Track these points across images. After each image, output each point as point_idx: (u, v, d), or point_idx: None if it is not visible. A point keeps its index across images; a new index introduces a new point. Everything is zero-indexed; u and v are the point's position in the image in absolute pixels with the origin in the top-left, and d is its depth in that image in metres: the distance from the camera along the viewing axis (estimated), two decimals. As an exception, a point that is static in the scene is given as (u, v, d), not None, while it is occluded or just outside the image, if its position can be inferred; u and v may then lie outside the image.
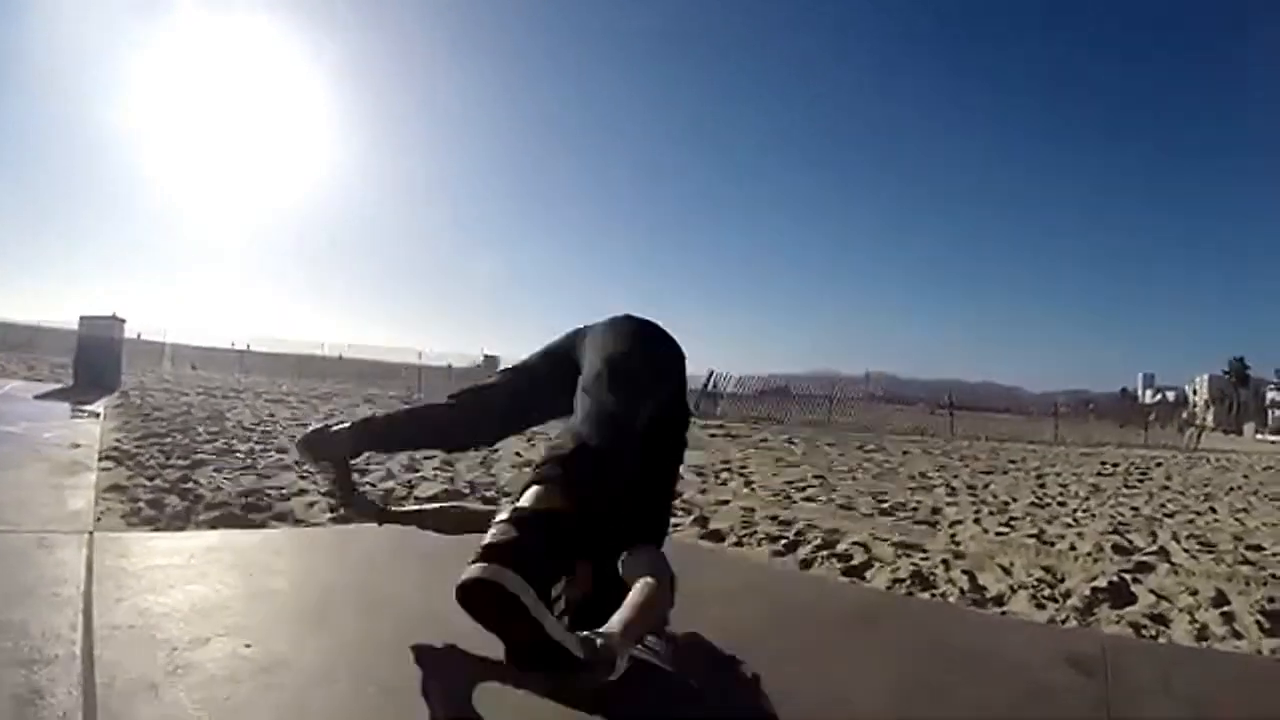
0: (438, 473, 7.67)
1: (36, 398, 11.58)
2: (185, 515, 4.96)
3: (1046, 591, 4.76)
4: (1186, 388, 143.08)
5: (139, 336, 36.30)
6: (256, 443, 8.82)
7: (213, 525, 4.79)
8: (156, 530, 4.51)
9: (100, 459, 6.29)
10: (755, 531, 5.94)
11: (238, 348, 46.38)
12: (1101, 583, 4.95)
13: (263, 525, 5.00)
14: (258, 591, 3.18)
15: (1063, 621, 4.25)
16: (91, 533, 3.85)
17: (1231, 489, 12.45)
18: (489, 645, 2.67)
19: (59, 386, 14.09)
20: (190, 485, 5.78)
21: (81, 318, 16.00)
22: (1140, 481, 12.97)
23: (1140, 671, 3.01)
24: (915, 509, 7.77)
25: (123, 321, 16.52)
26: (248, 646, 2.54)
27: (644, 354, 2.86)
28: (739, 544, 5.65)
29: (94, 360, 15.45)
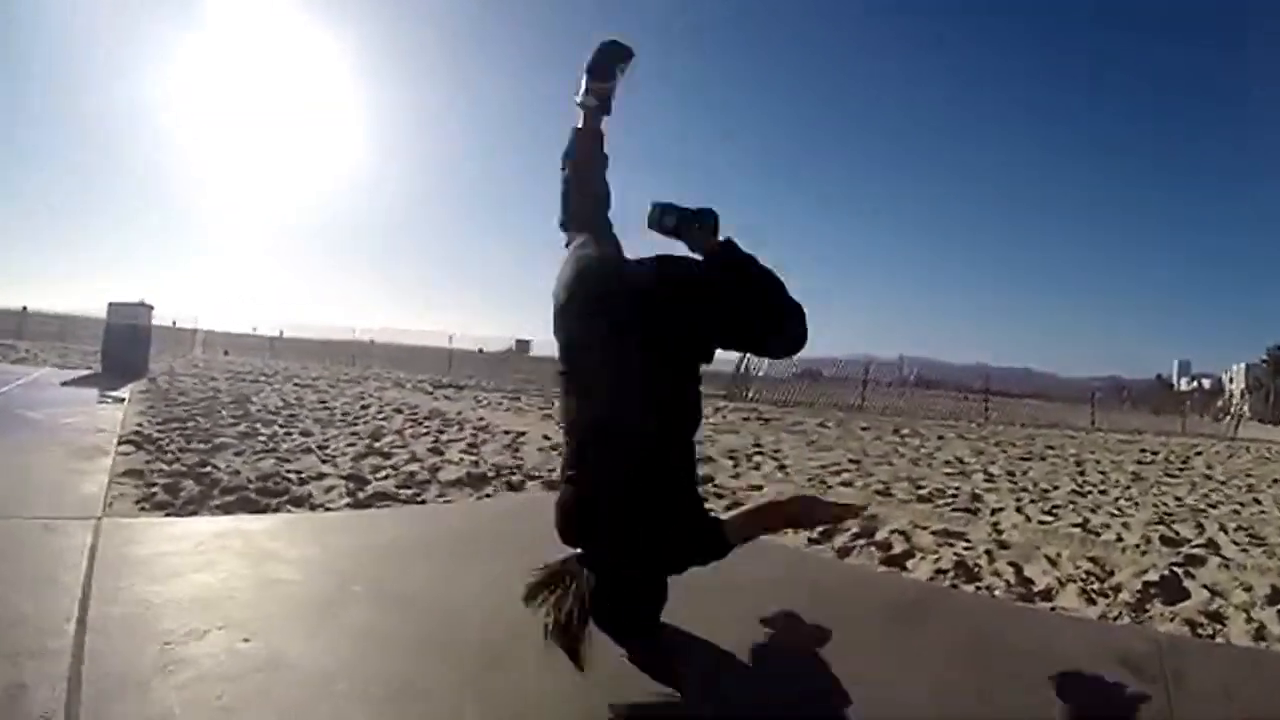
0: (462, 456, 7.54)
1: (63, 384, 11.54)
2: (199, 500, 4.83)
3: (1096, 585, 4.53)
4: (1223, 376, 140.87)
5: (174, 324, 36.60)
6: (280, 426, 8.74)
7: (226, 510, 4.65)
8: (169, 516, 4.38)
9: (119, 444, 6.19)
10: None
11: (270, 334, 46.66)
12: (1152, 576, 4.72)
13: (278, 510, 4.86)
14: (265, 581, 3.05)
15: (1114, 618, 4.02)
16: (100, 519, 3.75)
17: (1275, 480, 12.08)
18: (509, 645, 2.53)
19: (87, 373, 14.10)
20: (208, 470, 5.67)
21: (110, 304, 15.97)
22: (1181, 470, 12.61)
23: (1200, 675, 2.82)
24: (954, 495, 7.56)
25: (151, 308, 16.46)
26: (246, 641, 2.40)
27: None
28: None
29: (122, 346, 15.45)
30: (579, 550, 2.56)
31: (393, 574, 3.38)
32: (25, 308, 36.94)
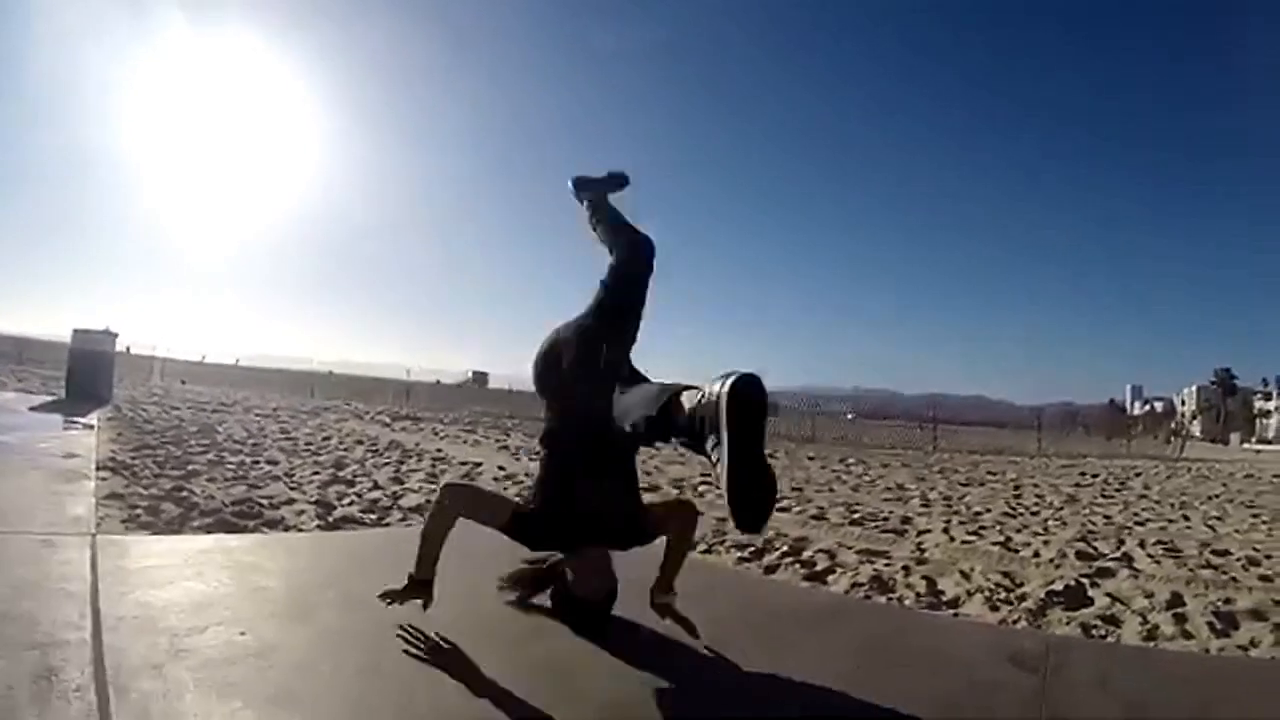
0: (422, 485, 7.92)
1: (30, 409, 11.70)
2: (180, 521, 5.18)
3: (1002, 595, 4.93)
4: (1174, 398, 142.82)
5: (128, 350, 36.19)
6: (247, 455, 9.05)
7: (207, 530, 5.00)
8: (154, 534, 4.72)
9: (97, 469, 6.46)
10: (725, 540, 6.12)
11: (227, 363, 46.43)
12: (1058, 586, 5.12)
13: (254, 530, 5.21)
14: (250, 588, 3.44)
15: (1014, 623, 4.42)
16: (94, 535, 4.08)
17: (1209, 497, 12.55)
18: (454, 635, 2.98)
19: (52, 399, 14.19)
20: (184, 494, 6.00)
21: (75, 331, 16.10)
22: (1117, 491, 13.10)
23: (1080, 669, 3.20)
24: (886, 519, 7.96)
25: (115, 335, 16.59)
26: (242, 634, 2.80)
27: None
28: (708, 551, 5.84)
29: (86, 373, 15.55)
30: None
31: (361, 583, 3.71)
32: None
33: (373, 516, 6.06)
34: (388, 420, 19.27)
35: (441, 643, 2.92)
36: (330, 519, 5.80)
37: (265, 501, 6.14)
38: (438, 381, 45.62)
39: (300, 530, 5.39)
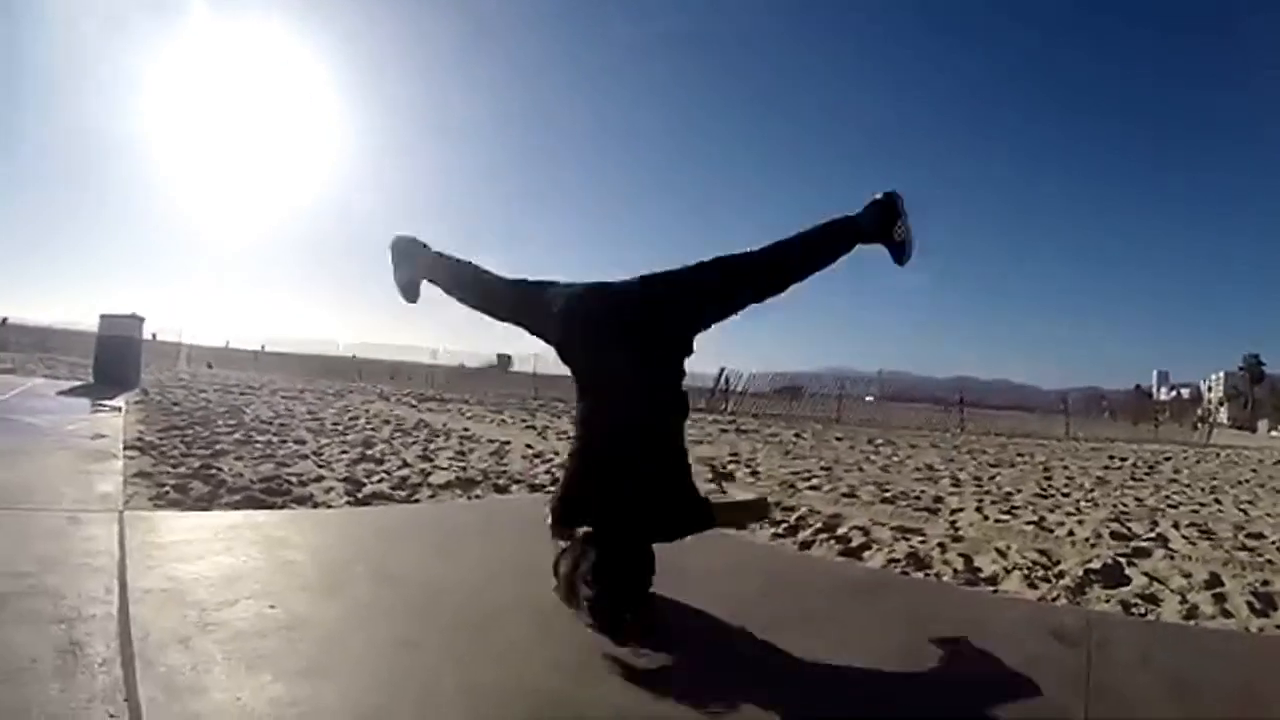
0: (451, 462, 7.90)
1: (58, 394, 11.73)
2: (209, 498, 5.17)
3: (1040, 572, 4.84)
4: (1201, 385, 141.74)
5: (154, 337, 36.46)
6: (274, 435, 9.05)
7: (235, 507, 4.99)
8: (182, 510, 4.71)
9: (125, 449, 6.48)
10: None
11: (247, 347, 46.79)
12: (1095, 565, 5.03)
13: (283, 507, 5.19)
14: (279, 562, 3.41)
15: (1053, 600, 4.34)
16: (121, 511, 4.08)
17: (1239, 482, 12.40)
18: (483, 611, 2.92)
19: (78, 384, 14.22)
20: (213, 472, 5.99)
21: (102, 316, 16.04)
22: (1147, 475, 12.90)
23: (1123, 646, 3.13)
24: (919, 497, 7.88)
25: (142, 320, 16.53)
26: (271, 608, 2.76)
27: None
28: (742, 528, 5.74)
29: (113, 358, 15.52)
30: (585, 529, 2.95)
31: (390, 558, 3.74)
32: (5, 319, 36.74)
33: (402, 493, 6.03)
34: (414, 402, 19.33)
35: (470, 618, 2.88)
36: (360, 495, 5.76)
37: (294, 479, 6.12)
38: (462, 365, 45.76)
39: (329, 506, 5.36)
